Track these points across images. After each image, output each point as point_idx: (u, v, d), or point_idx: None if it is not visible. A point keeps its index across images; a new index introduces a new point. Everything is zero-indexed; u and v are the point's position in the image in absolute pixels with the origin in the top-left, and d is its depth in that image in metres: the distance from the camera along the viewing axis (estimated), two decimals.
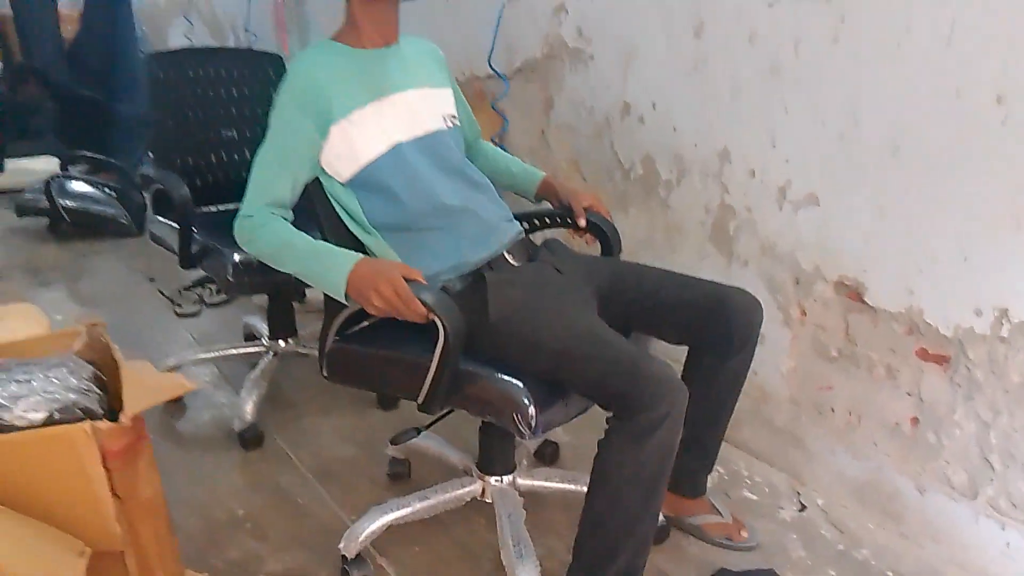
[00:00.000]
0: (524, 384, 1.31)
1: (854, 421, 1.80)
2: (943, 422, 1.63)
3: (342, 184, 1.48)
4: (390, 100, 1.49)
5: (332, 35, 1.54)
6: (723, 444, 2.05)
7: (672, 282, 1.55)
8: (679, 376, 1.31)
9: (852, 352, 1.78)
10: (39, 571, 1.06)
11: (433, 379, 1.33)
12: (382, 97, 1.48)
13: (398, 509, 1.63)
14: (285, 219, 1.45)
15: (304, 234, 1.41)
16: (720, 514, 1.71)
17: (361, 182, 1.47)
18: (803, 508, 1.84)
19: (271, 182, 1.45)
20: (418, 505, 1.64)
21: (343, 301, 1.35)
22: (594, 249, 1.76)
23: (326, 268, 1.35)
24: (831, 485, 1.87)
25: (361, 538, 1.58)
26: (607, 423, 1.29)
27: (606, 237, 1.70)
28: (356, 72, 1.47)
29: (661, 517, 1.52)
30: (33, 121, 4.90)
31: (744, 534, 1.70)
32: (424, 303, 1.27)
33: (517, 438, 1.41)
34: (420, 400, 1.38)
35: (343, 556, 1.58)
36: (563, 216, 1.72)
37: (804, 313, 1.86)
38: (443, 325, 1.27)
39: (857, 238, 1.70)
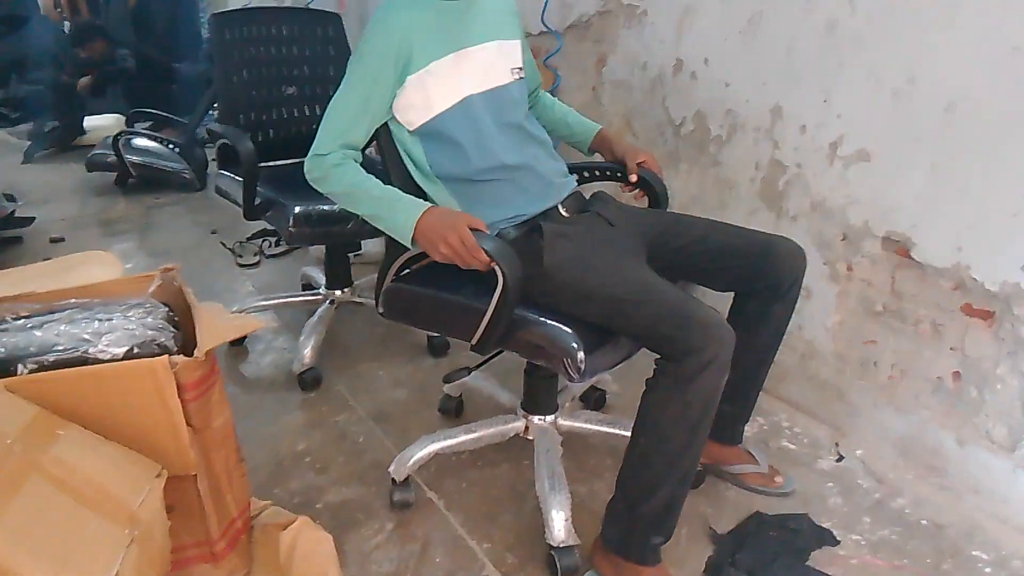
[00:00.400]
0: (573, 330, 1.38)
1: (897, 376, 1.82)
2: (986, 377, 1.63)
3: (410, 132, 1.53)
4: (467, 53, 1.53)
5: None
6: (766, 396, 2.10)
7: (718, 231, 1.59)
8: (726, 323, 1.35)
9: (898, 308, 1.79)
10: (123, 487, 1.16)
11: (489, 323, 1.39)
12: (460, 49, 1.52)
13: (445, 439, 1.74)
14: (356, 161, 1.52)
15: (375, 178, 1.48)
16: (757, 462, 1.75)
17: (429, 132, 1.52)
18: (840, 458, 1.87)
19: (348, 124, 1.50)
20: (464, 437, 1.75)
21: (408, 246, 1.42)
22: (642, 204, 1.79)
23: (395, 212, 1.42)
24: (872, 439, 1.89)
25: (410, 463, 1.70)
26: (655, 364, 1.35)
27: (655, 193, 1.74)
28: (438, 24, 1.50)
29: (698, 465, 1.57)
30: (101, 78, 5.07)
31: (779, 480, 1.75)
32: (486, 251, 1.33)
33: (565, 381, 1.47)
34: (474, 341, 1.44)
35: (392, 479, 1.70)
36: (614, 170, 1.76)
37: (851, 269, 1.86)
38: (503, 272, 1.33)
39: (907, 194, 1.70)
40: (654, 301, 1.34)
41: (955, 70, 1.57)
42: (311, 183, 1.53)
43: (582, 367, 1.36)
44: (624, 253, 1.52)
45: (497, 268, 1.33)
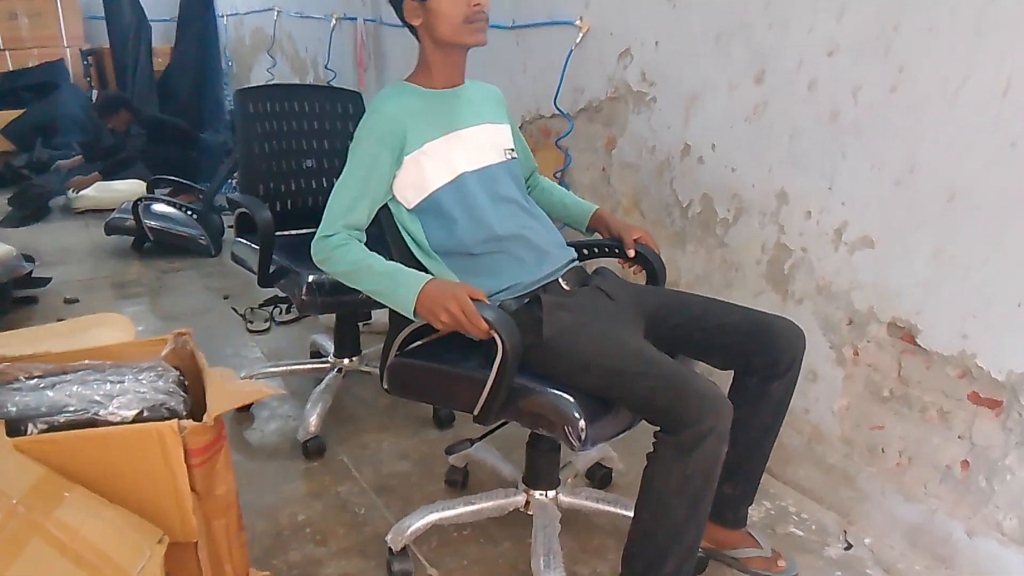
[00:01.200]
0: (574, 399, 1.40)
1: (905, 463, 1.80)
2: (995, 467, 1.62)
3: (408, 210, 1.61)
4: (459, 134, 1.64)
5: (406, 77, 1.68)
6: (772, 481, 2.08)
7: (717, 308, 1.63)
8: (723, 394, 1.37)
9: (904, 393, 1.79)
10: (124, 553, 1.15)
11: (490, 392, 1.42)
12: (452, 131, 1.63)
13: (444, 510, 1.74)
14: (360, 240, 1.57)
15: (378, 255, 1.52)
16: (760, 546, 1.72)
17: (425, 208, 1.60)
18: (849, 547, 1.84)
19: (350, 206, 1.56)
20: (463, 509, 1.74)
21: (411, 317, 1.45)
22: (641, 279, 1.83)
23: (397, 285, 1.46)
24: (881, 526, 1.86)
25: (407, 532, 1.69)
26: (655, 437, 1.36)
27: (653, 267, 1.79)
28: (428, 109, 1.62)
29: (700, 550, 1.54)
30: (123, 148, 5.22)
31: (782, 564, 1.71)
32: (486, 320, 1.37)
33: (568, 456, 1.47)
34: (476, 412, 1.46)
35: (389, 548, 1.69)
36: (612, 246, 1.81)
37: (857, 353, 1.87)
38: (502, 341, 1.36)
39: (911, 281, 1.72)
40: (651, 373, 1.36)
41: (955, 161, 1.61)
42: (317, 265, 1.57)
43: (583, 435, 1.37)
44: (622, 325, 1.56)
45: (496, 336, 1.36)
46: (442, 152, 1.60)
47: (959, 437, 1.68)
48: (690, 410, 1.30)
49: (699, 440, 1.29)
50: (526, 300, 1.57)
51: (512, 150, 1.74)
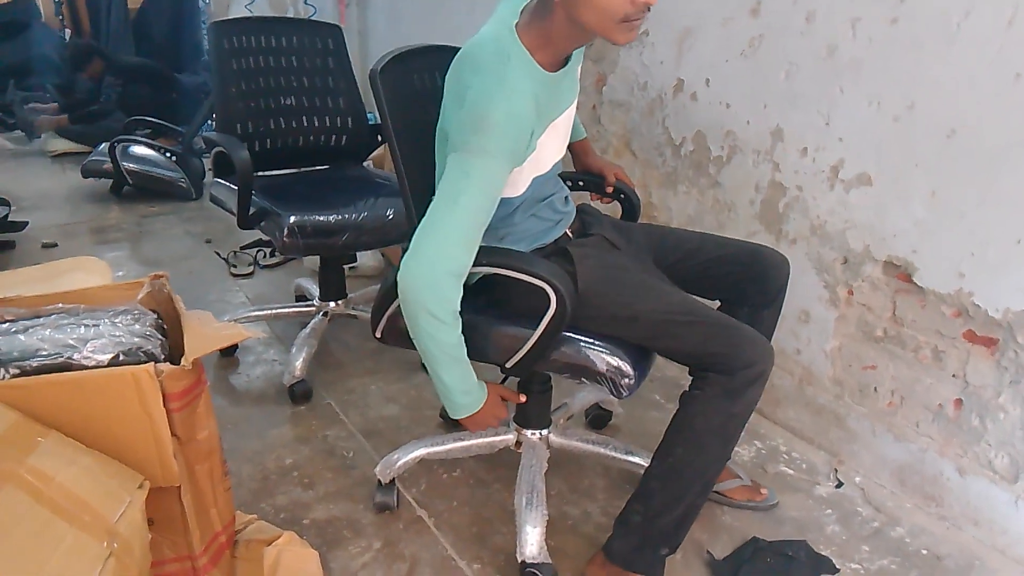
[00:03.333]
0: (617, 348, 1.41)
1: (897, 402, 1.79)
2: (988, 405, 1.61)
3: None
4: (555, 125, 1.40)
5: (526, 43, 1.30)
6: (763, 420, 2.08)
7: (711, 241, 1.65)
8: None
9: (898, 333, 1.77)
10: (103, 499, 1.12)
11: (535, 347, 1.39)
12: (551, 122, 1.39)
13: (433, 445, 1.74)
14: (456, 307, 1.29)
15: (463, 345, 1.33)
16: (739, 476, 1.75)
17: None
18: (840, 485, 1.85)
19: (469, 252, 1.26)
20: (452, 444, 1.74)
21: (451, 416, 1.43)
22: (615, 213, 1.79)
23: (461, 393, 1.38)
24: (871, 465, 1.86)
25: (396, 465, 1.70)
26: (694, 381, 1.38)
27: (631, 204, 1.80)
28: (545, 100, 1.33)
29: None
30: (98, 97, 5.07)
31: (764, 492, 1.75)
32: (538, 275, 1.32)
33: (616, 398, 1.46)
34: (511, 364, 1.44)
35: (378, 480, 1.70)
36: (588, 180, 1.79)
37: (851, 293, 1.85)
38: (555, 294, 1.32)
39: (909, 219, 1.69)
40: (701, 321, 1.37)
41: (955, 97, 1.56)
42: (404, 300, 1.26)
43: (632, 382, 1.39)
44: (650, 273, 1.54)
45: (548, 288, 1.32)
46: (540, 151, 1.36)
47: (952, 376, 1.67)
48: (744, 354, 1.33)
49: (750, 383, 1.32)
50: (550, 253, 1.49)
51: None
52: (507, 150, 1.25)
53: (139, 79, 5.02)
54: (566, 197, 1.60)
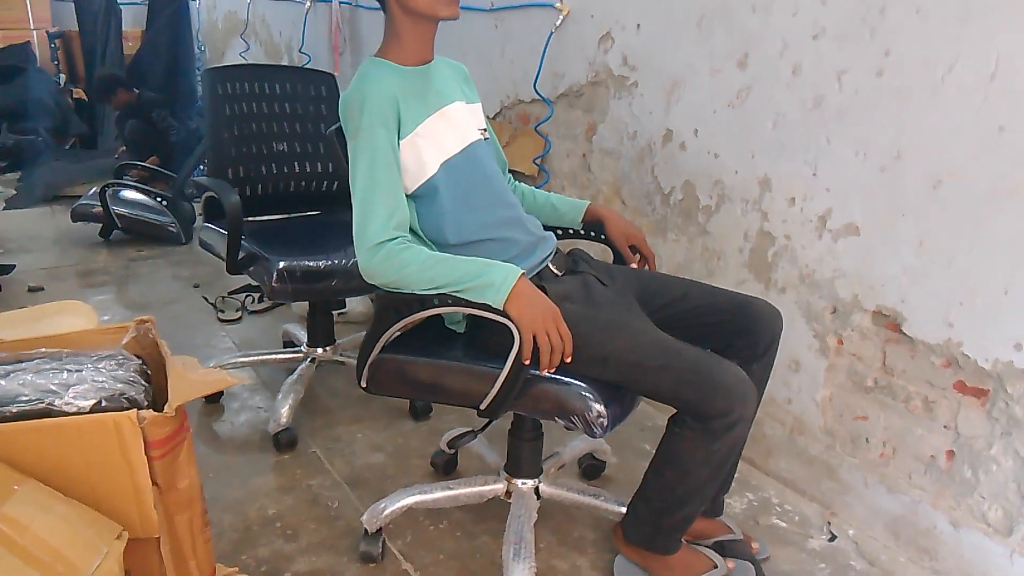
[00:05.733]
0: (590, 386, 1.38)
1: (889, 453, 1.78)
2: (980, 457, 1.60)
3: (407, 195, 1.49)
4: (443, 113, 1.54)
5: (376, 53, 1.56)
6: (754, 472, 2.06)
7: (696, 289, 1.64)
8: (747, 377, 1.38)
9: (889, 383, 1.76)
10: (79, 550, 1.09)
11: (504, 384, 1.38)
12: (437, 110, 1.53)
13: (421, 494, 1.71)
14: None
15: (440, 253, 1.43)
16: (732, 531, 1.71)
17: (421, 195, 1.51)
18: (833, 538, 1.82)
19: (394, 201, 1.42)
20: (440, 494, 1.72)
21: (496, 306, 1.33)
22: (605, 256, 1.80)
23: (491, 270, 1.34)
24: (864, 518, 1.84)
25: (383, 514, 1.67)
26: (676, 418, 1.39)
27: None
28: (411, 88, 1.51)
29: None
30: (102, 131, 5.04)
31: (756, 545, 1.72)
32: (501, 311, 1.32)
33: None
34: (484, 406, 1.42)
35: (365, 530, 1.67)
36: (598, 233, 1.78)
37: (841, 342, 1.84)
38: (520, 332, 1.32)
39: (897, 269, 1.69)
40: (673, 366, 1.36)
41: (941, 147, 1.58)
42: (373, 278, 1.40)
43: (605, 421, 1.36)
44: (628, 312, 1.53)
45: (514, 327, 1.32)
46: (433, 134, 1.50)
47: (944, 427, 1.66)
48: (717, 403, 1.33)
49: (727, 429, 1.34)
50: None
51: (485, 130, 1.67)
52: (377, 120, 1.42)
53: (148, 115, 4.96)
54: (540, 224, 1.65)
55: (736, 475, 1.69)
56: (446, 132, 1.53)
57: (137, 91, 4.95)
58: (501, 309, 1.33)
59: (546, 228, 1.70)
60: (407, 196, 1.49)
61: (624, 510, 1.62)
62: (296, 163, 2.48)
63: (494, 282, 1.33)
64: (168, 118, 4.95)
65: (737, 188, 2.04)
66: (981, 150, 1.52)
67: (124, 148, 4.88)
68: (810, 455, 1.96)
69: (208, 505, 1.41)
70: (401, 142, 1.46)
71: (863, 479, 1.83)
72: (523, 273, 1.36)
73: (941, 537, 1.68)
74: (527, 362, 1.33)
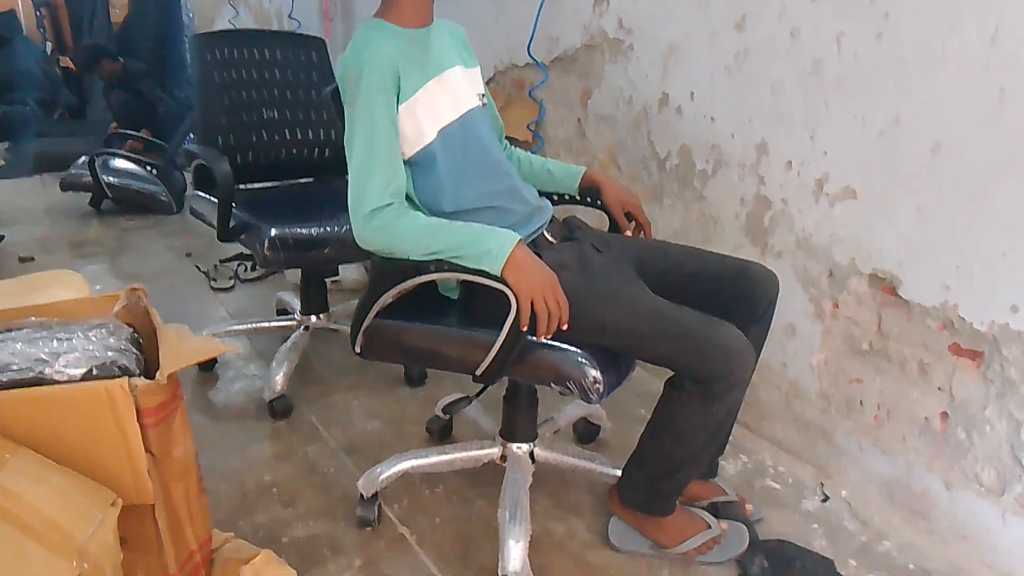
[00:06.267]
0: (586, 352, 1.38)
1: (883, 416, 1.78)
2: (974, 419, 1.60)
3: (403, 161, 1.47)
4: (441, 79, 1.51)
5: (375, 14, 1.53)
6: (749, 435, 2.07)
7: (694, 256, 1.63)
8: (746, 339, 1.38)
9: (884, 347, 1.76)
10: (73, 518, 1.09)
11: (500, 351, 1.37)
12: (435, 75, 1.50)
13: (417, 459, 1.72)
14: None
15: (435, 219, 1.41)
16: (726, 493, 1.73)
17: (417, 162, 1.48)
18: (826, 499, 1.83)
19: (390, 168, 1.40)
20: (436, 458, 1.72)
21: (493, 273, 1.31)
22: (600, 223, 1.79)
23: (487, 237, 1.32)
24: (858, 480, 1.85)
25: (379, 479, 1.67)
26: (673, 381, 1.40)
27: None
28: (411, 51, 1.48)
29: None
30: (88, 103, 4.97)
31: (750, 507, 1.73)
32: (498, 277, 1.31)
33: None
34: (480, 372, 1.41)
35: (360, 495, 1.68)
36: (595, 199, 1.76)
37: (837, 306, 1.84)
38: (517, 299, 1.31)
39: (894, 233, 1.68)
40: (671, 331, 1.36)
41: (940, 111, 1.56)
42: (369, 245, 1.39)
43: (601, 387, 1.36)
44: (625, 280, 1.52)
45: (511, 294, 1.31)
46: (431, 99, 1.47)
47: (938, 390, 1.66)
48: (716, 366, 1.33)
49: (725, 392, 1.35)
50: None
51: (484, 95, 1.64)
52: (376, 86, 1.39)
53: (142, 89, 4.89)
54: (536, 193, 1.63)
55: (731, 439, 1.69)
56: (444, 98, 1.50)
57: (122, 61, 4.86)
58: (499, 276, 1.31)
59: (541, 194, 1.69)
60: (405, 162, 1.47)
61: (619, 474, 1.62)
62: (287, 130, 2.44)
63: (491, 249, 1.32)
64: (155, 89, 4.88)
65: (734, 153, 2.02)
66: (981, 114, 1.50)
67: (115, 124, 4.81)
68: (805, 419, 1.96)
69: (204, 473, 1.40)
70: (400, 108, 1.44)
71: (857, 442, 1.84)
72: (521, 239, 1.34)
73: (934, 499, 1.69)
74: (524, 329, 1.33)
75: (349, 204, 1.39)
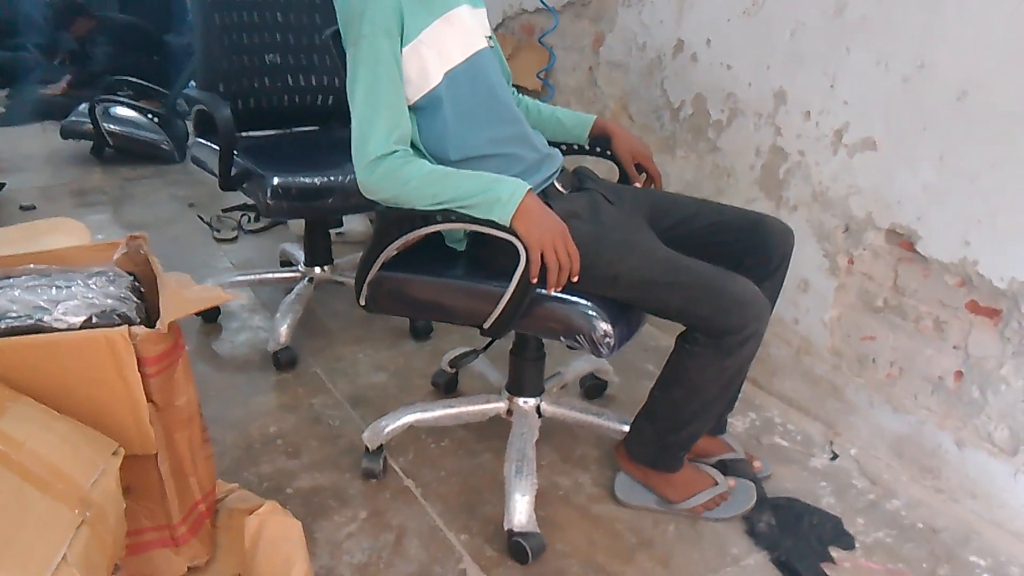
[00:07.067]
0: (596, 305, 1.35)
1: (896, 373, 1.76)
2: (989, 377, 1.57)
3: (408, 107, 1.42)
4: (448, 18, 1.44)
5: None
6: (758, 392, 2.05)
7: (708, 208, 1.60)
8: (760, 292, 1.36)
9: (899, 303, 1.72)
10: (76, 466, 1.07)
11: (508, 304, 1.34)
12: (441, 15, 1.43)
13: (422, 412, 1.70)
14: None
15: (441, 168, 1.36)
16: (734, 450, 1.72)
17: (423, 106, 1.43)
18: (835, 457, 1.81)
19: (395, 114, 1.35)
20: (441, 412, 1.72)
21: (502, 223, 1.28)
22: (610, 174, 1.74)
23: (497, 184, 1.28)
24: (868, 437, 1.83)
25: (385, 431, 1.66)
26: (686, 334, 1.38)
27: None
28: None
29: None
30: (86, 56, 4.89)
31: (758, 464, 1.72)
32: (507, 228, 1.28)
33: (596, 357, 1.43)
34: (488, 325, 1.39)
35: (365, 447, 1.67)
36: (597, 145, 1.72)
37: (852, 262, 1.80)
38: (527, 250, 1.27)
39: (915, 185, 1.63)
40: (684, 282, 1.34)
41: (968, 56, 1.50)
42: (374, 194, 1.35)
43: (612, 341, 1.33)
44: (637, 231, 1.49)
45: (521, 245, 1.28)
46: (436, 40, 1.41)
47: (954, 348, 1.63)
48: (730, 319, 1.31)
49: (739, 345, 1.32)
50: None
51: (491, 38, 1.57)
52: (380, 28, 1.33)
53: (127, 39, 4.83)
54: (545, 142, 1.58)
55: (739, 395, 1.67)
56: (451, 39, 1.44)
57: (97, 17, 4.77)
58: (508, 226, 1.28)
59: (550, 144, 1.64)
60: (410, 107, 1.42)
61: (626, 429, 1.60)
62: (290, 76, 2.38)
63: (501, 197, 1.27)
64: (149, 39, 4.81)
65: (750, 102, 1.96)
66: (1010, 59, 1.44)
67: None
68: (815, 375, 1.94)
69: (209, 423, 1.40)
70: (404, 50, 1.38)
71: (868, 399, 1.82)
72: (531, 188, 1.30)
73: (945, 456, 1.68)
74: (534, 280, 1.29)
75: (352, 151, 1.35)
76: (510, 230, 1.28)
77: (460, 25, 1.46)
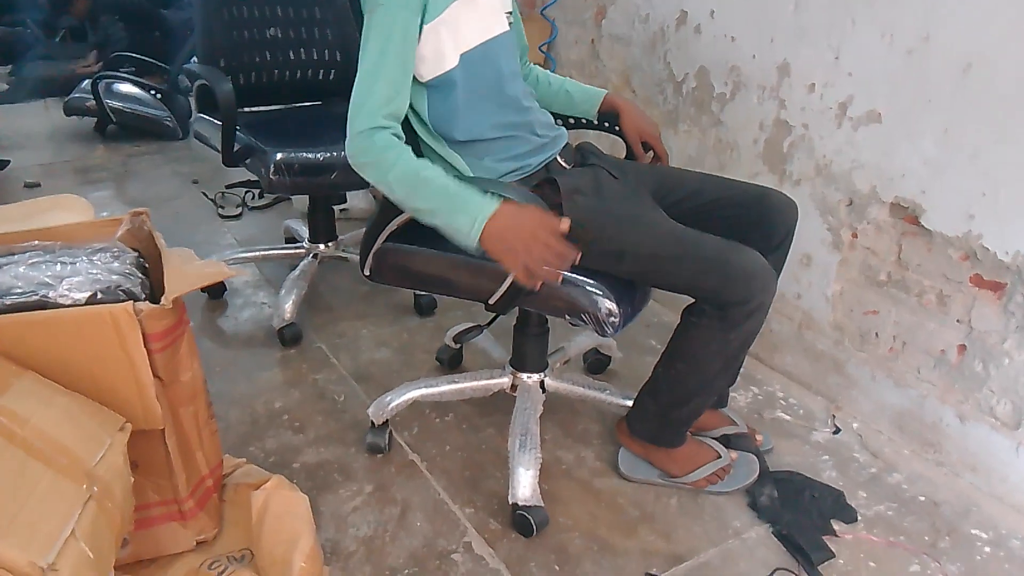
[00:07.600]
0: (602, 284, 1.35)
1: (898, 348, 1.76)
2: (992, 351, 1.57)
3: (420, 83, 1.40)
4: None
5: None
6: (760, 366, 2.06)
7: (711, 182, 1.59)
8: (767, 264, 1.35)
9: (902, 277, 1.72)
10: (82, 441, 1.08)
11: (512, 284, 1.34)
12: None
13: (427, 387, 1.71)
14: (400, 138, 1.33)
15: (431, 163, 1.32)
16: (736, 423, 1.72)
17: (436, 85, 1.40)
18: (837, 431, 1.82)
19: (393, 90, 1.31)
20: (446, 387, 1.72)
21: (471, 251, 1.26)
22: (616, 150, 1.73)
23: (456, 209, 1.24)
24: (869, 412, 1.83)
25: (389, 407, 1.67)
26: (692, 307, 1.38)
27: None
28: None
29: None
30: (87, 34, 4.86)
31: (760, 438, 1.73)
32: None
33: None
34: (493, 301, 1.39)
35: (371, 422, 1.68)
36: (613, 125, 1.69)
37: (855, 236, 1.79)
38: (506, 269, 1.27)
39: (919, 158, 1.62)
40: (690, 254, 1.34)
41: (974, 29, 1.48)
42: (357, 169, 1.31)
43: (616, 320, 1.34)
44: (642, 205, 1.48)
45: None
46: (455, 21, 1.37)
47: (957, 321, 1.63)
48: (737, 291, 1.31)
49: (747, 316, 1.32)
50: (534, 183, 1.45)
51: (511, 14, 1.53)
52: (401, 1, 1.30)
53: (123, 16, 4.81)
54: (552, 122, 1.57)
55: (741, 369, 1.67)
56: (469, 20, 1.40)
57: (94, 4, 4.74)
58: (475, 254, 1.27)
59: (556, 116, 1.62)
60: (423, 84, 1.40)
61: (629, 404, 1.61)
62: (292, 51, 2.36)
63: (461, 228, 1.23)
64: (151, 16, 4.77)
65: (754, 75, 1.94)
66: (1015, 32, 1.42)
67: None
68: (817, 350, 1.94)
69: (214, 399, 1.41)
70: (424, 27, 1.34)
71: (870, 373, 1.82)
72: (499, 205, 1.23)
73: (947, 430, 1.68)
74: (528, 286, 1.27)
75: (347, 118, 1.32)
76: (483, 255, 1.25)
77: (480, 5, 1.42)
